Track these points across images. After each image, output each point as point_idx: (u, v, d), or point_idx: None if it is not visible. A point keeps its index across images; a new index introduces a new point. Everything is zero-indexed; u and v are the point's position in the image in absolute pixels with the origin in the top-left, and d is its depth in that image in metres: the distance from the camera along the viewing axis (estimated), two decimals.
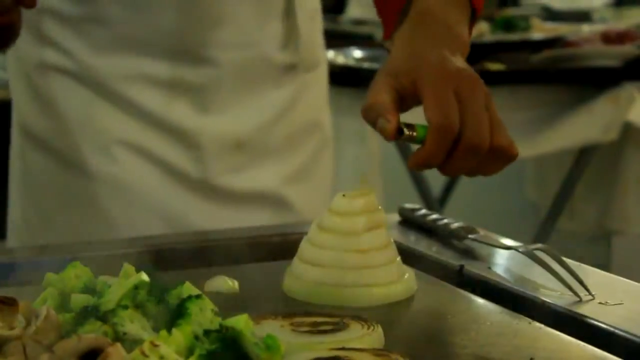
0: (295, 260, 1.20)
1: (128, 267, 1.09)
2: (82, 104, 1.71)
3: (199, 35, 1.69)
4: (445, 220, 1.41)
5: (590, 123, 3.03)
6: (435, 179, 3.32)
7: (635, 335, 1.06)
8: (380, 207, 1.23)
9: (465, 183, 3.57)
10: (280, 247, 1.40)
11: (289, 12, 1.80)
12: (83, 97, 1.71)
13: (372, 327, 1.04)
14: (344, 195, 1.23)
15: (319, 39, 1.88)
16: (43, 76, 1.75)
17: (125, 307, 1.03)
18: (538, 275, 1.23)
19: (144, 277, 1.05)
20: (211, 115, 1.72)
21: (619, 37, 3.04)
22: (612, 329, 1.08)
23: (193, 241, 1.48)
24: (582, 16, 4.18)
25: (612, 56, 3.02)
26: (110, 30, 1.70)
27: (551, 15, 4.18)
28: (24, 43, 1.67)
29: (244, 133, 1.74)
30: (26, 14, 1.58)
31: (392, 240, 1.21)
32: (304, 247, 1.20)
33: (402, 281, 1.20)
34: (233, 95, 1.72)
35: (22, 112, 1.80)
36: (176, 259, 1.41)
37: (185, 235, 1.53)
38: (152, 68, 1.69)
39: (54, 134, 1.73)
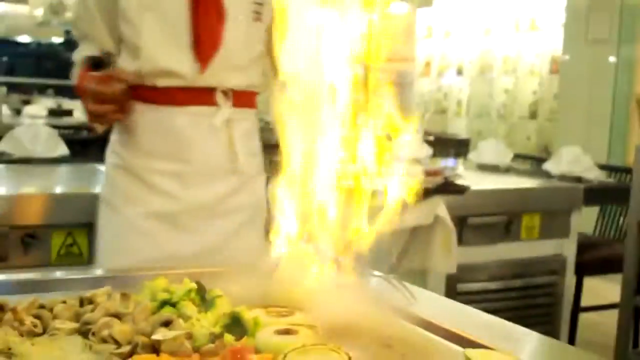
0: (273, 277, 1.18)
1: (187, 280, 1.09)
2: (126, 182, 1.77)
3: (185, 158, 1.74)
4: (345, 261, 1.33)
5: (419, 214, 2.94)
6: None
7: (430, 318, 1.11)
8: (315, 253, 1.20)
9: None
10: (265, 269, 1.22)
11: (231, 143, 1.77)
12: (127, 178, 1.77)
13: (307, 314, 1.07)
14: None
15: (253, 157, 1.86)
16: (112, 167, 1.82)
17: (184, 300, 1.03)
18: (391, 290, 1.24)
19: (193, 284, 1.07)
20: (189, 190, 1.74)
21: (433, 173, 3.05)
22: (423, 317, 1.12)
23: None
24: (416, 162, 4.01)
25: (430, 183, 2.98)
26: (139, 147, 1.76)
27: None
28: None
29: (202, 199, 1.75)
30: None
31: (320, 270, 1.19)
32: (278, 270, 1.19)
33: (326, 290, 1.17)
34: (201, 181, 1.74)
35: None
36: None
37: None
38: (159, 167, 1.74)
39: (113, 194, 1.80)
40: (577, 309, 3.84)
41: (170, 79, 1.70)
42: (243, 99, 1.79)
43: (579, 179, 3.87)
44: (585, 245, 3.78)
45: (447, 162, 4.58)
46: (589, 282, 4.03)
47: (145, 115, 1.74)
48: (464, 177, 3.25)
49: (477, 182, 3.35)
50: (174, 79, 1.70)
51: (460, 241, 3.11)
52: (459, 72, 9.49)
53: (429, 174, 3.05)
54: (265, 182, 1.87)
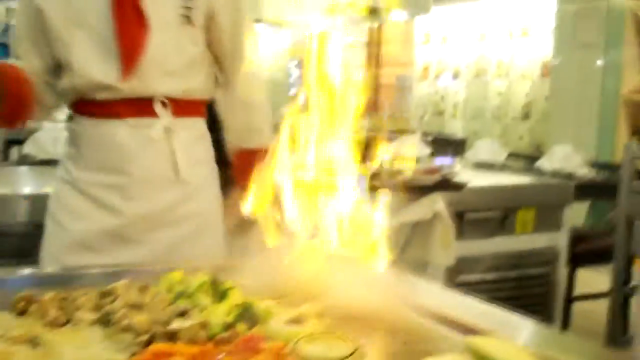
0: (282, 271, 1.19)
1: (201, 274, 1.10)
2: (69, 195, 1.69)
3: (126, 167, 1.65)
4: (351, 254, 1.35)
5: (419, 209, 2.98)
6: None
7: (431, 307, 1.11)
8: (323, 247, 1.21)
9: None
10: (275, 263, 1.22)
11: (171, 152, 1.67)
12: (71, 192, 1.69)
13: (316, 304, 1.06)
14: None
15: (199, 166, 1.75)
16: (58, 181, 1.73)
17: (199, 291, 1.05)
18: (395, 281, 1.22)
19: (206, 277, 1.08)
20: (131, 202, 1.65)
21: (432, 171, 3.06)
22: (425, 306, 1.12)
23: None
24: (419, 160, 4.01)
25: (429, 180, 3.03)
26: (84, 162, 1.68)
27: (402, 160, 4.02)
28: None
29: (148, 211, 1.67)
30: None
31: (328, 263, 1.20)
32: (287, 264, 1.20)
33: (333, 282, 1.17)
34: (143, 192, 1.66)
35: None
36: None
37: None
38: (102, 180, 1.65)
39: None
40: (569, 298, 3.83)
41: (105, 91, 1.62)
42: (184, 107, 1.70)
43: (570, 176, 3.87)
44: (577, 238, 3.76)
45: (445, 161, 4.57)
46: (581, 273, 4.01)
47: (87, 128, 1.67)
48: (461, 175, 3.25)
49: (473, 179, 3.35)
50: (109, 91, 1.62)
51: (459, 235, 3.10)
52: (455, 75, 9.48)
53: (427, 172, 3.07)
54: (217, 190, 1.80)
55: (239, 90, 1.81)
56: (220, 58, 1.77)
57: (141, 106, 1.64)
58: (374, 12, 7.74)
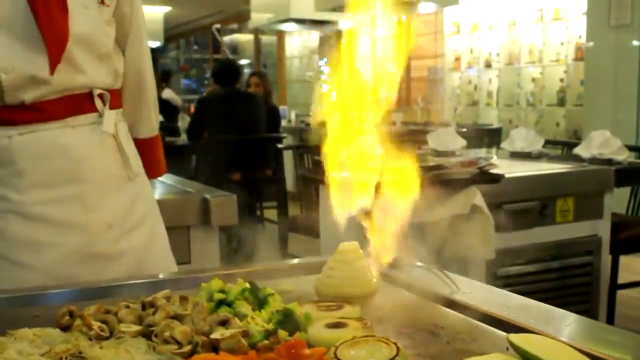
0: (321, 275, 1.22)
1: (240, 280, 1.10)
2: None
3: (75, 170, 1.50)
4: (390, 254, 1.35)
5: (456, 204, 2.96)
6: None
7: (473, 305, 1.10)
8: (360, 250, 1.22)
9: None
10: (313, 267, 1.32)
11: (120, 148, 1.57)
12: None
13: (355, 306, 1.07)
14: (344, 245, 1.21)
15: (136, 158, 1.65)
16: None
17: (239, 299, 1.05)
18: (435, 280, 1.23)
19: (247, 284, 1.09)
20: (94, 212, 1.50)
21: (468, 163, 3.04)
22: (463, 303, 1.12)
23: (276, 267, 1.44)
24: (451, 153, 4.01)
25: (466, 173, 3.01)
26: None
27: (437, 153, 4.02)
28: None
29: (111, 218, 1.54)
30: None
31: (366, 264, 1.23)
32: (325, 268, 1.22)
33: (372, 284, 1.21)
34: (103, 198, 1.53)
35: None
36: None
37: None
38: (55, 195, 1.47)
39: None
40: (614, 286, 3.79)
41: (36, 88, 1.43)
42: (115, 99, 1.58)
43: (609, 161, 3.82)
44: (619, 225, 3.73)
45: (481, 152, 4.55)
46: (624, 260, 3.98)
47: (14, 140, 1.44)
48: (498, 166, 3.21)
49: (510, 169, 3.32)
50: (41, 87, 1.43)
51: (498, 227, 3.07)
52: (487, 64, 9.41)
53: (464, 164, 3.05)
54: (149, 181, 1.70)
55: (130, 78, 1.67)
56: (119, 41, 1.63)
57: (77, 102, 1.49)
58: (402, 4, 7.74)
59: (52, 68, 1.42)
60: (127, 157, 1.57)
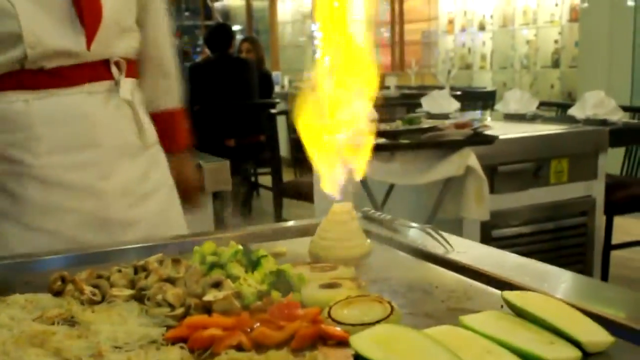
0: (314, 236, 1.20)
1: (233, 243, 1.10)
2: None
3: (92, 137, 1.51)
4: (383, 215, 1.37)
5: (451, 166, 2.95)
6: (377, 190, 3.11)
7: (467, 264, 1.10)
8: (354, 210, 1.21)
9: (394, 192, 3.32)
10: (307, 230, 1.32)
11: (136, 116, 1.56)
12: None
13: (349, 267, 1.06)
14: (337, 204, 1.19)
15: (150, 125, 1.64)
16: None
17: (231, 261, 1.04)
18: (429, 240, 1.23)
19: (239, 247, 1.08)
20: (109, 178, 1.51)
21: (462, 125, 3.04)
22: (461, 263, 1.11)
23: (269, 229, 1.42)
24: (445, 116, 4.00)
25: (460, 134, 3.01)
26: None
27: (430, 116, 4.00)
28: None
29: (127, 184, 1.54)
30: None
31: (359, 226, 1.21)
32: (319, 230, 1.20)
33: (366, 244, 1.19)
34: (118, 164, 1.53)
35: None
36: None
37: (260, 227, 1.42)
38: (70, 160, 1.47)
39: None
40: (608, 247, 3.81)
41: (61, 58, 1.44)
42: (132, 68, 1.59)
43: (604, 122, 3.81)
44: (613, 186, 3.75)
45: (475, 114, 4.53)
46: (619, 221, 3.99)
47: (37, 105, 1.44)
48: (492, 128, 3.20)
49: (505, 131, 3.31)
50: (67, 58, 1.44)
51: (492, 189, 3.09)
52: (481, 27, 9.35)
53: (458, 126, 3.05)
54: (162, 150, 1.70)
55: (152, 49, 1.69)
56: (138, 13, 1.63)
57: (95, 69, 1.49)
58: None
59: (89, 44, 1.44)
60: (142, 125, 1.58)
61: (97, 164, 1.49)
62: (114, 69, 1.52)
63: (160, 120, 1.70)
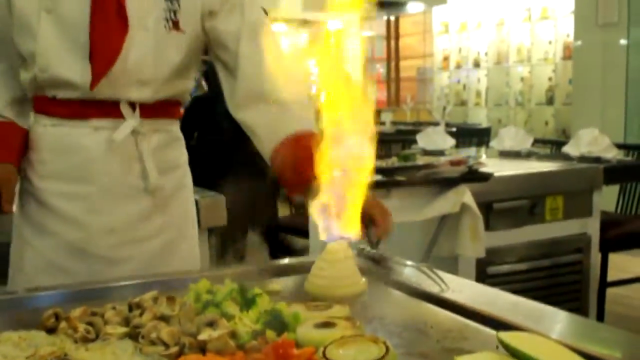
0: (310, 275, 1.21)
1: (228, 281, 1.09)
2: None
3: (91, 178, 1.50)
4: (379, 253, 1.37)
5: (446, 203, 2.95)
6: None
7: (463, 303, 1.10)
8: (350, 249, 1.21)
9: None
10: (302, 267, 1.31)
11: (140, 158, 1.51)
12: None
13: (344, 306, 1.06)
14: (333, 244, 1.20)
15: (172, 171, 1.60)
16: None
17: (226, 300, 1.04)
18: (424, 278, 1.23)
19: (235, 285, 1.07)
20: (95, 214, 1.50)
21: (457, 162, 3.04)
22: (457, 302, 1.11)
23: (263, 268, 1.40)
24: (440, 153, 4.01)
25: (455, 172, 3.00)
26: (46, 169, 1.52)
27: (426, 152, 4.01)
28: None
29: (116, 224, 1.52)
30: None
31: (355, 264, 1.21)
32: (314, 268, 1.20)
33: (361, 283, 1.20)
34: (107, 203, 1.50)
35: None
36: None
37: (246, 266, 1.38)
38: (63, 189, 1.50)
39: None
40: (604, 284, 3.79)
41: (69, 90, 1.46)
42: (155, 109, 1.53)
43: (598, 159, 3.82)
44: (608, 223, 3.73)
45: (470, 152, 4.55)
46: (614, 258, 3.98)
47: (47, 130, 1.51)
48: (487, 165, 3.21)
49: (500, 168, 3.32)
50: (74, 91, 1.46)
51: (487, 226, 3.08)
52: (476, 64, 9.43)
53: (453, 163, 3.05)
54: (191, 196, 1.66)
55: (250, 80, 1.54)
56: (228, 61, 1.57)
57: (107, 107, 1.48)
58: (390, 4, 7.72)
59: (94, 84, 1.43)
60: (146, 169, 1.52)
61: (86, 199, 1.50)
62: (125, 109, 1.49)
63: (280, 151, 1.50)
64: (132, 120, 1.49)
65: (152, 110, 1.52)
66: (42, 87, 1.49)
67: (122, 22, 1.43)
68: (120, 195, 1.51)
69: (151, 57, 1.47)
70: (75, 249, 1.50)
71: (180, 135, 1.64)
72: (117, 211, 1.51)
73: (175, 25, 1.48)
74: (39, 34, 1.44)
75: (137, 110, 1.50)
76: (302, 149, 1.38)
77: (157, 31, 1.47)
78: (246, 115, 1.56)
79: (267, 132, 1.53)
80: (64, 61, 1.44)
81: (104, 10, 1.42)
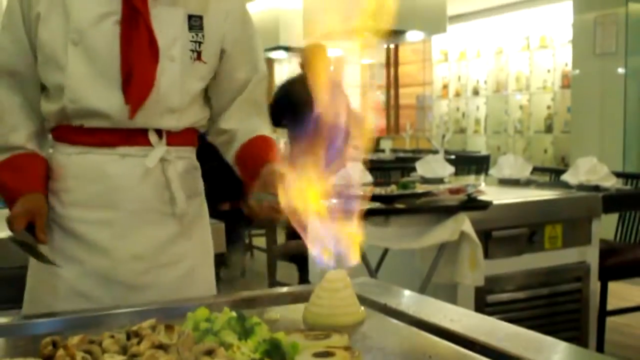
0: (308, 303, 1.22)
1: (227, 309, 1.10)
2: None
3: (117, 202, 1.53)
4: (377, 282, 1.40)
5: (445, 231, 2.92)
6: (371, 254, 3.10)
7: (462, 333, 1.10)
8: (348, 278, 1.21)
9: (389, 257, 3.32)
10: (301, 296, 1.33)
11: (168, 184, 1.56)
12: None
13: (343, 335, 1.06)
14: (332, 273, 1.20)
15: (195, 197, 1.64)
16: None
17: (225, 328, 1.04)
18: (423, 307, 1.23)
19: (233, 314, 1.07)
20: (122, 240, 1.52)
21: (456, 191, 3.02)
22: (456, 332, 1.11)
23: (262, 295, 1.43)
24: (440, 180, 4.01)
25: (454, 200, 2.97)
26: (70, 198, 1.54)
27: (425, 180, 4.01)
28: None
29: (141, 250, 1.54)
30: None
31: (354, 293, 1.22)
32: (313, 297, 1.21)
33: (360, 312, 1.20)
34: (134, 229, 1.53)
35: None
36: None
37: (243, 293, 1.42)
38: (89, 216, 1.52)
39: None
40: (603, 313, 3.78)
41: (99, 119, 1.49)
42: (179, 137, 1.58)
43: (597, 188, 3.82)
44: (607, 251, 3.73)
45: (469, 179, 4.55)
46: (614, 287, 3.97)
47: (71, 158, 1.53)
48: (486, 193, 3.20)
49: (499, 196, 3.32)
50: (104, 120, 1.49)
51: (487, 254, 3.06)
52: (475, 92, 9.48)
53: (452, 191, 3.03)
54: (208, 224, 1.70)
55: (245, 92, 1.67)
56: (229, 91, 1.66)
57: (134, 135, 1.52)
58: (390, 33, 7.78)
59: (132, 114, 1.48)
60: (173, 195, 1.56)
61: (112, 225, 1.52)
62: (152, 136, 1.54)
63: (247, 150, 1.65)
64: (161, 148, 1.54)
65: (177, 137, 1.57)
66: (68, 117, 1.51)
67: (153, 52, 1.48)
68: (147, 221, 1.54)
69: (178, 86, 1.53)
70: (100, 276, 1.51)
71: (198, 163, 1.68)
72: (143, 237, 1.54)
73: (199, 56, 1.55)
74: (67, 66, 1.47)
75: (164, 137, 1.55)
76: (266, 144, 1.63)
77: (183, 61, 1.53)
78: (231, 123, 1.69)
79: (244, 133, 1.67)
80: (95, 92, 1.48)
81: (135, 41, 1.47)
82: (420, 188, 3.14)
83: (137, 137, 1.52)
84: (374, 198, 2.91)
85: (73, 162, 1.53)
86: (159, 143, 1.54)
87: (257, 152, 1.63)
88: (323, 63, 1.21)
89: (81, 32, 1.47)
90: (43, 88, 1.56)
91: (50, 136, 1.61)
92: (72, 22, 1.47)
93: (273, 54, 9.69)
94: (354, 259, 1.20)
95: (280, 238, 5.04)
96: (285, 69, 12.23)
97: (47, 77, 1.52)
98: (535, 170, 4.70)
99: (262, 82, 1.69)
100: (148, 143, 1.53)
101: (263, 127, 1.69)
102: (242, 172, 1.67)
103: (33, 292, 1.58)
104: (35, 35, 1.50)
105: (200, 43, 1.55)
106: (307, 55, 5.53)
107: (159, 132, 1.54)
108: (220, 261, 2.28)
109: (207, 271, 1.69)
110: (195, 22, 1.55)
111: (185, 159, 1.61)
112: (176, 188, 1.56)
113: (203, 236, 1.68)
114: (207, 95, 1.66)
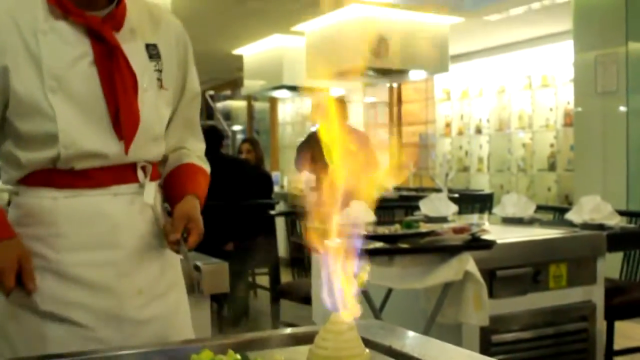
0: (313, 345, 1.19)
1: (231, 352, 1.10)
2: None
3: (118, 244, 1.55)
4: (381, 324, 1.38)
5: (449, 271, 2.90)
6: (375, 294, 3.08)
7: None
8: (352, 320, 1.18)
9: (393, 296, 3.30)
10: (305, 337, 1.31)
11: (156, 218, 1.61)
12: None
13: None
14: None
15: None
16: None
17: None
18: (428, 349, 1.22)
19: (237, 356, 1.09)
20: (126, 277, 1.54)
21: (460, 230, 3.02)
22: None
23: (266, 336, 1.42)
24: (443, 219, 4.01)
25: (458, 240, 2.94)
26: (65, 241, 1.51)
27: (429, 219, 4.00)
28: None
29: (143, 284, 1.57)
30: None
31: (358, 335, 1.19)
32: (317, 339, 1.18)
33: (365, 355, 1.17)
34: (135, 265, 1.56)
35: None
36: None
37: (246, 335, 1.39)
38: (90, 258, 1.52)
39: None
40: (610, 352, 3.75)
41: (92, 160, 1.50)
42: (155, 171, 1.64)
43: (601, 227, 3.82)
44: (613, 290, 3.72)
45: (473, 218, 4.55)
46: (620, 326, 3.94)
47: (60, 202, 1.50)
48: (490, 232, 3.19)
49: (503, 235, 3.31)
50: (97, 160, 1.51)
51: (491, 294, 3.05)
52: (478, 130, 9.51)
53: (456, 231, 3.02)
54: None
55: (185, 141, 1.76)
56: (180, 119, 1.72)
57: (124, 173, 1.55)
58: (393, 72, 7.83)
59: (127, 148, 1.51)
60: (160, 228, 1.61)
61: (116, 264, 1.53)
62: (140, 173, 1.58)
63: (184, 169, 1.72)
64: (149, 183, 1.59)
65: (154, 172, 1.63)
66: (55, 162, 1.49)
67: (134, 84, 1.52)
68: (143, 256, 1.57)
69: (155, 114, 1.58)
70: (108, 317, 1.51)
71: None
72: (142, 271, 1.57)
73: (162, 84, 1.60)
74: (56, 114, 1.46)
75: (149, 172, 1.60)
76: (188, 174, 1.70)
77: (153, 89, 1.58)
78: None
79: (173, 160, 1.74)
80: (89, 134, 1.49)
81: (117, 76, 1.49)
82: (424, 227, 3.12)
83: (126, 174, 1.56)
84: (378, 237, 2.91)
85: (64, 205, 1.50)
86: (144, 178, 1.58)
87: (180, 181, 1.69)
88: (341, 116, 1.20)
89: (58, 78, 1.47)
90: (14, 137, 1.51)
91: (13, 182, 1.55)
92: (47, 70, 1.46)
93: (276, 93, 9.78)
94: (357, 310, 1.18)
95: (285, 277, 5.03)
96: (289, 108, 12.32)
97: (33, 128, 1.48)
98: (539, 208, 4.70)
99: (194, 101, 1.75)
100: (136, 180, 1.57)
101: (193, 150, 1.77)
102: (167, 200, 1.71)
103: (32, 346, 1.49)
104: (7, 89, 1.47)
105: (160, 71, 1.60)
106: (323, 108, 5.58)
107: (143, 167, 1.59)
108: (224, 300, 2.28)
109: (184, 297, 1.72)
110: (153, 51, 1.59)
111: (159, 192, 1.66)
112: (162, 221, 1.62)
113: (177, 264, 1.71)
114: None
